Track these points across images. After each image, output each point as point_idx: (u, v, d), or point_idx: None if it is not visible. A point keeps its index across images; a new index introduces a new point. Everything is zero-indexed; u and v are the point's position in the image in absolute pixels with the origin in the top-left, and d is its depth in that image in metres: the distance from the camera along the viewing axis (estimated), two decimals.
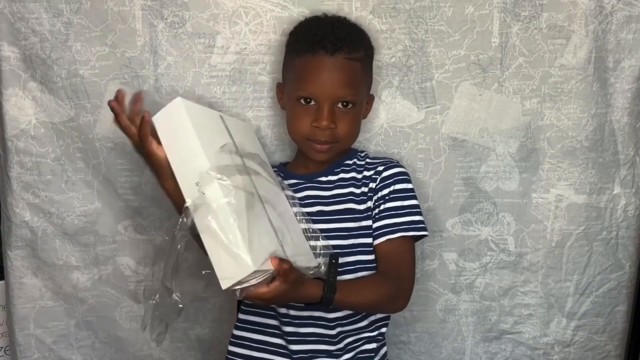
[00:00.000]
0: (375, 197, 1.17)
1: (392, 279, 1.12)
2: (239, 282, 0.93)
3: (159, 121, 1.01)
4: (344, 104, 1.13)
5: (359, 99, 1.16)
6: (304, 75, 1.13)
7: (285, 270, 0.95)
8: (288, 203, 1.13)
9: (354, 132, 1.18)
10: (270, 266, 0.95)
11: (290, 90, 1.17)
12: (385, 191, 1.17)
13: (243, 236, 0.93)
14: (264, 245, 0.97)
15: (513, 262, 1.41)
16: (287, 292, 0.97)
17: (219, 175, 0.96)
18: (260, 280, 0.96)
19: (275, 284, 0.96)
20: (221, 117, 1.13)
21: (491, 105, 1.32)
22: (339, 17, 1.22)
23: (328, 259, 1.08)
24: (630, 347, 1.51)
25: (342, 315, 1.15)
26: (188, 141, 0.98)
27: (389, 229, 1.15)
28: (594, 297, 1.43)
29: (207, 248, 0.95)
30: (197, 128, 0.99)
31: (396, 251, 1.15)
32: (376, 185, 1.18)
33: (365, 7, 1.25)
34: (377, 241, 1.15)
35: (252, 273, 0.91)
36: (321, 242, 1.11)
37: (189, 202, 0.97)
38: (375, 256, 1.16)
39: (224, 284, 0.92)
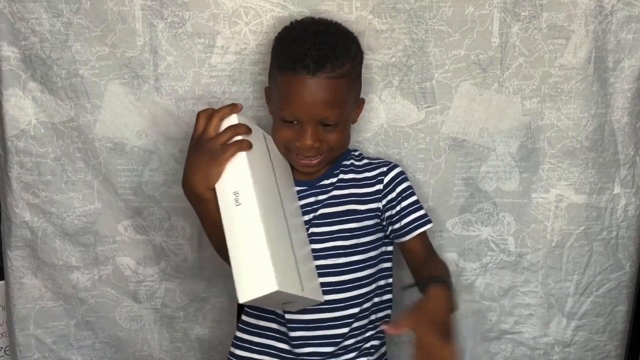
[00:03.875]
0: (387, 198, 1.18)
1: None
2: (258, 300, 0.93)
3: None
4: (327, 124, 1.11)
5: (344, 117, 1.13)
6: (286, 95, 1.10)
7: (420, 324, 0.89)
8: (307, 238, 1.15)
9: (345, 141, 1.17)
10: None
11: (275, 104, 1.14)
12: (398, 190, 1.18)
13: (272, 254, 0.94)
14: (288, 269, 0.99)
15: (513, 262, 1.41)
16: (443, 314, 0.92)
17: (258, 192, 0.98)
18: (277, 302, 0.98)
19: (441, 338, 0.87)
20: (264, 136, 1.14)
21: (491, 105, 1.32)
22: (325, 22, 1.17)
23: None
24: (630, 347, 1.51)
25: (342, 315, 1.15)
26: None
27: (417, 223, 1.17)
28: (594, 297, 1.43)
29: (231, 257, 0.95)
30: None
31: (427, 241, 1.20)
32: (384, 187, 1.18)
33: (365, 7, 1.25)
34: (408, 237, 1.17)
35: (274, 292, 0.92)
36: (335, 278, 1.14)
37: (222, 206, 0.99)
38: (406, 252, 1.19)
39: (242, 298, 0.92)
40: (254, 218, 0.96)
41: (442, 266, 1.13)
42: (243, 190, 0.98)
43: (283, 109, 1.10)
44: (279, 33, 1.17)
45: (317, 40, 1.09)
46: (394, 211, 1.17)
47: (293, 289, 0.98)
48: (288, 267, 1.00)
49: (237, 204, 0.97)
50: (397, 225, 1.17)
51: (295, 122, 1.10)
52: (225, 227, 0.98)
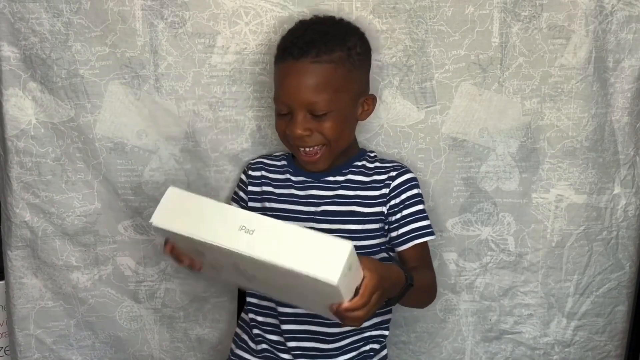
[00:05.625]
0: (390, 204, 1.16)
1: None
2: (344, 273, 0.85)
3: (161, 217, 0.96)
4: (316, 113, 1.09)
5: (336, 105, 1.10)
6: (277, 84, 1.13)
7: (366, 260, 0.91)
8: None
9: (342, 133, 1.13)
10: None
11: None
12: (403, 196, 1.17)
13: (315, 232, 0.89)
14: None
15: (513, 262, 1.41)
16: (383, 278, 0.92)
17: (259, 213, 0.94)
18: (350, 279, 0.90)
19: (367, 278, 0.90)
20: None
21: (491, 105, 1.32)
22: (326, 17, 1.18)
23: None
24: (630, 347, 1.51)
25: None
26: (204, 206, 0.95)
27: (415, 234, 1.16)
28: (594, 297, 1.43)
29: (286, 263, 0.87)
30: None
31: (424, 253, 1.18)
32: (390, 191, 1.17)
33: (366, 7, 1.25)
34: (404, 246, 1.16)
35: (349, 255, 0.85)
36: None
37: (240, 249, 0.91)
38: (400, 260, 1.17)
39: (333, 277, 0.84)
40: (278, 222, 0.91)
41: (424, 277, 1.12)
42: (247, 219, 0.92)
43: (275, 99, 1.13)
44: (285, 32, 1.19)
45: (308, 29, 1.12)
46: (394, 218, 1.16)
47: None
48: None
49: (251, 232, 0.90)
50: (394, 233, 1.16)
51: (287, 113, 1.12)
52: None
